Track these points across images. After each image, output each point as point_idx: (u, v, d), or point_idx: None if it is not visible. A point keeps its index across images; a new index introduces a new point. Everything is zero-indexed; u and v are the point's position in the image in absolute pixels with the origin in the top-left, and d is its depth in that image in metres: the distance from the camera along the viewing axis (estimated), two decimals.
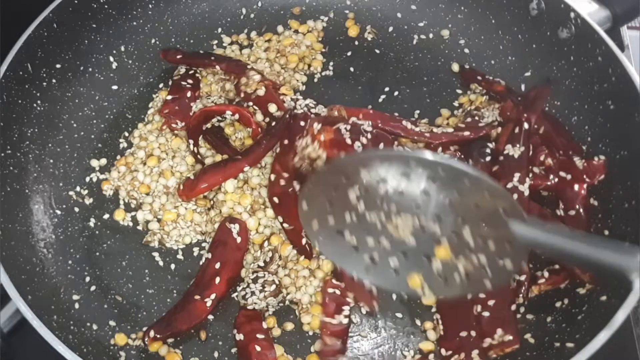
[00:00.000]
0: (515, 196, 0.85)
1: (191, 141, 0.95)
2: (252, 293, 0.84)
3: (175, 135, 0.98)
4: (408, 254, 0.72)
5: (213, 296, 0.83)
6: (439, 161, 0.68)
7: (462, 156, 0.91)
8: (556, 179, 0.88)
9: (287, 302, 0.85)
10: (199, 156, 0.95)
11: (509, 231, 0.66)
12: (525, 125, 0.89)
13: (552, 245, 0.66)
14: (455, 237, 0.70)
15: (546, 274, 0.83)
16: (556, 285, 0.83)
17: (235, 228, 0.87)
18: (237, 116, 0.96)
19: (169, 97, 1.00)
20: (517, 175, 0.86)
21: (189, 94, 0.99)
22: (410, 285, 0.73)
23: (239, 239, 0.87)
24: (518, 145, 0.88)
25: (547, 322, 0.81)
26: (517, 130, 0.89)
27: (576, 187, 0.86)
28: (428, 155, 0.67)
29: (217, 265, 0.85)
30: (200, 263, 0.88)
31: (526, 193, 0.86)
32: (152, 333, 0.81)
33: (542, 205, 0.88)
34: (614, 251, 0.63)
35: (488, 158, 0.90)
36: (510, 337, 0.78)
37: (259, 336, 0.80)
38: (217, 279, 0.84)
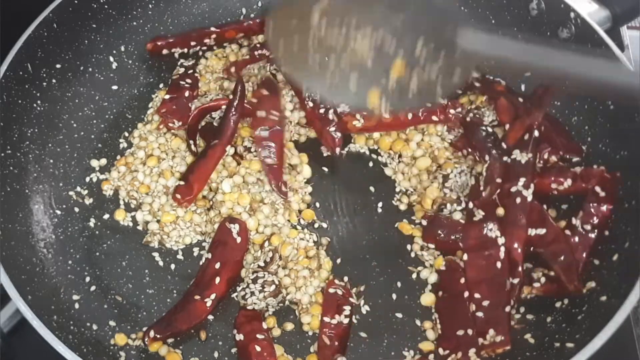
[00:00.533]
0: (518, 200, 0.85)
1: (191, 141, 0.95)
2: (252, 293, 0.84)
3: (174, 135, 0.98)
4: (367, 71, 0.76)
5: (213, 296, 0.83)
6: None
7: (477, 155, 0.92)
8: (569, 184, 0.88)
9: (287, 303, 0.86)
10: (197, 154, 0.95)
11: (458, 40, 0.70)
12: (536, 133, 0.89)
13: (502, 53, 0.68)
14: (409, 53, 0.74)
15: (543, 280, 0.83)
16: (547, 293, 0.83)
17: (235, 228, 0.87)
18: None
19: (167, 97, 1.00)
20: (522, 180, 0.86)
21: (187, 94, 0.99)
22: (369, 101, 0.76)
23: (239, 239, 0.87)
24: (526, 152, 0.88)
25: (547, 322, 0.81)
26: (527, 137, 0.89)
27: (604, 207, 0.85)
28: None
29: (217, 265, 0.85)
30: (200, 263, 0.88)
31: (529, 198, 0.86)
32: (152, 333, 0.81)
33: (551, 206, 0.89)
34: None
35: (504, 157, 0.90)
36: (502, 338, 0.78)
37: (259, 336, 0.80)
38: (217, 279, 0.84)
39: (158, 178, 0.94)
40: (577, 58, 0.64)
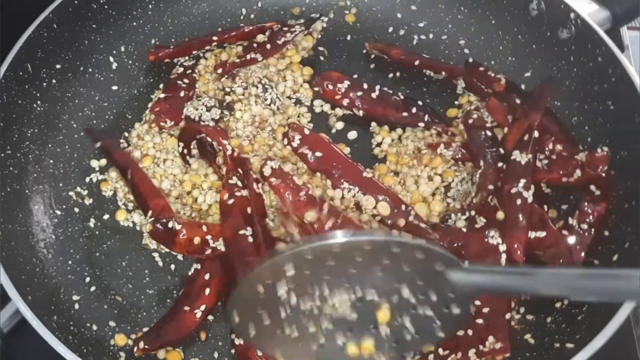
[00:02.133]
0: (519, 201, 0.84)
1: (181, 144, 0.95)
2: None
3: (170, 135, 0.97)
4: (353, 328, 0.70)
5: (203, 307, 0.82)
6: (363, 239, 0.65)
7: (471, 158, 0.91)
8: (578, 174, 0.87)
9: None
10: (187, 157, 0.95)
11: (448, 282, 0.65)
12: (536, 134, 0.88)
13: (498, 286, 0.66)
14: (395, 298, 0.68)
15: None
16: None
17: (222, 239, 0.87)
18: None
19: (162, 96, 1.00)
20: (522, 182, 0.85)
21: (182, 94, 0.99)
22: (365, 354, 0.71)
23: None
24: (525, 153, 0.87)
25: (547, 322, 0.81)
26: (526, 137, 0.88)
27: (599, 206, 0.85)
28: (346, 236, 0.65)
29: (207, 277, 0.85)
30: (189, 273, 0.87)
31: (530, 200, 0.85)
32: (141, 344, 0.80)
33: (552, 206, 0.89)
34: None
35: (499, 163, 0.89)
36: (502, 345, 0.78)
37: None
38: (207, 290, 0.83)
39: (153, 180, 0.94)
40: (582, 281, 0.63)
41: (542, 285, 0.63)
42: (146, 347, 0.80)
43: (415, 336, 0.69)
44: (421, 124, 0.97)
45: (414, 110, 0.97)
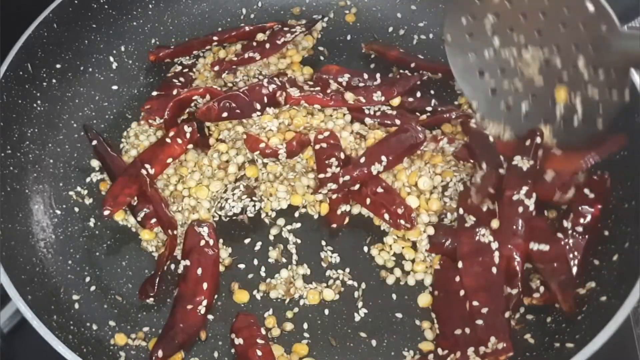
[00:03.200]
0: (520, 209, 0.84)
1: (172, 133, 0.94)
2: (226, 200, 0.87)
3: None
4: (537, 95, 0.85)
5: (204, 302, 0.83)
6: None
7: (473, 159, 0.91)
8: (572, 194, 0.87)
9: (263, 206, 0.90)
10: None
11: (613, 48, 0.77)
12: (538, 140, 0.87)
13: None
14: (572, 70, 0.81)
15: (542, 289, 0.82)
16: (547, 302, 0.82)
17: (204, 231, 0.87)
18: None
19: (155, 94, 1.00)
20: (524, 189, 0.85)
21: (175, 92, 0.99)
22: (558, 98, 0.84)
23: (211, 241, 0.87)
24: (527, 159, 0.87)
25: (547, 322, 0.81)
26: (528, 142, 0.88)
27: (593, 208, 0.85)
28: None
29: (199, 271, 0.85)
30: (179, 272, 0.87)
31: (531, 208, 0.84)
32: (160, 353, 0.79)
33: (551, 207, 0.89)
34: None
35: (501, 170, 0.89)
36: (504, 345, 0.77)
37: (259, 341, 0.80)
38: (205, 285, 0.84)
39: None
40: None
41: None
42: (164, 355, 0.80)
43: (581, 122, 0.82)
44: (428, 108, 0.97)
45: (419, 94, 0.98)
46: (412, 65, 1.02)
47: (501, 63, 0.86)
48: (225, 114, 0.94)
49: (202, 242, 0.87)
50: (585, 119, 0.82)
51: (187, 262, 0.86)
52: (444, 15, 0.91)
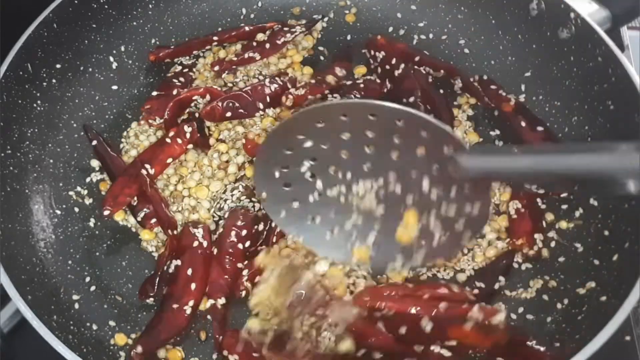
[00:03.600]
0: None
1: (172, 133, 0.95)
2: (225, 200, 0.88)
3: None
4: (381, 226, 0.73)
5: (191, 303, 0.83)
6: (367, 103, 0.70)
7: None
8: None
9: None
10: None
11: (460, 167, 0.66)
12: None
13: (510, 168, 0.65)
14: (417, 195, 0.70)
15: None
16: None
17: (199, 232, 0.87)
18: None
19: (155, 94, 1.00)
20: None
21: (175, 92, 0.99)
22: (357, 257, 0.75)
23: (204, 243, 0.87)
24: None
25: (547, 322, 0.81)
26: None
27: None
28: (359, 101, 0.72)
29: (189, 272, 0.84)
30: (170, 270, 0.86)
31: None
32: (139, 349, 0.80)
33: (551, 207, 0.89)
34: (594, 153, 0.62)
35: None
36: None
37: (255, 355, 0.79)
38: (193, 285, 0.83)
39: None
40: (579, 157, 0.63)
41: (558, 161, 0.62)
42: (144, 351, 0.80)
43: (442, 239, 0.72)
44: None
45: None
46: (417, 59, 1.01)
47: (331, 203, 0.75)
48: (228, 114, 0.95)
49: (196, 243, 0.86)
50: (446, 237, 0.73)
51: (179, 262, 0.86)
52: (254, 171, 0.79)
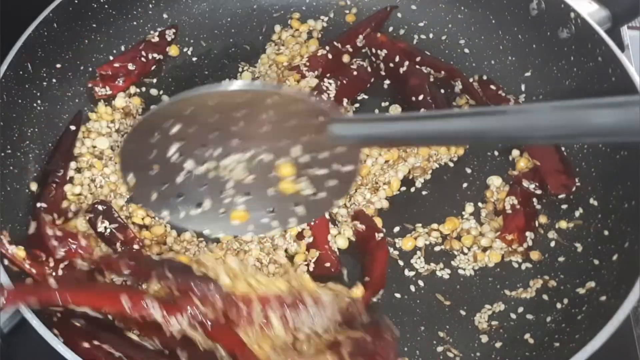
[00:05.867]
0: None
1: None
2: None
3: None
4: (252, 193, 0.72)
5: None
6: (239, 88, 0.67)
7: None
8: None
9: None
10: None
11: (332, 135, 0.65)
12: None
13: (383, 135, 0.64)
14: (289, 158, 0.69)
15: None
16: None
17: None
18: None
19: (117, 64, 1.00)
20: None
21: (132, 67, 1.00)
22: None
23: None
24: None
25: (547, 322, 0.81)
26: None
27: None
28: (229, 86, 0.67)
29: None
30: None
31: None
32: None
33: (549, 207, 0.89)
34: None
35: None
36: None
37: None
38: None
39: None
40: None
41: (451, 126, 0.60)
42: None
43: (313, 202, 0.71)
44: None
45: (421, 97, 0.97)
46: (418, 59, 1.01)
47: (200, 180, 0.72)
48: None
49: None
50: (319, 193, 0.71)
51: None
52: (119, 160, 0.74)
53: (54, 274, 0.78)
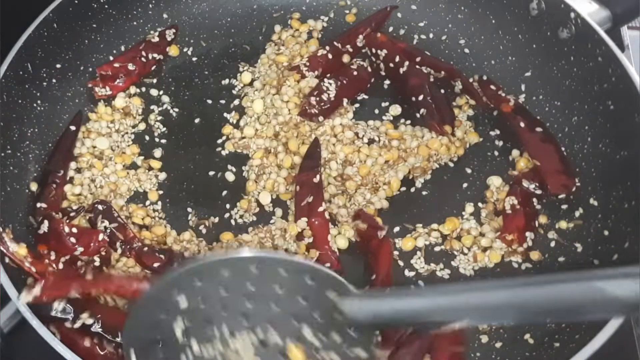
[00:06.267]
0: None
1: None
2: None
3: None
4: None
5: None
6: (249, 256, 0.64)
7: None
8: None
9: None
10: None
11: (343, 314, 0.61)
12: None
13: (396, 312, 0.59)
14: (298, 341, 0.64)
15: None
16: None
17: None
18: None
19: (117, 64, 1.00)
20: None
21: (131, 66, 1.00)
22: None
23: None
24: None
25: (546, 322, 0.81)
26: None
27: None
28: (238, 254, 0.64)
29: None
30: None
31: None
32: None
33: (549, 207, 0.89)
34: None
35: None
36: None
37: None
38: None
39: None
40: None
41: (457, 306, 0.56)
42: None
43: None
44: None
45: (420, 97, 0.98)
46: (418, 59, 1.01)
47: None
48: None
49: None
50: None
51: None
52: (124, 332, 0.68)
53: (54, 267, 0.79)
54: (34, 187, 0.89)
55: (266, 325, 0.65)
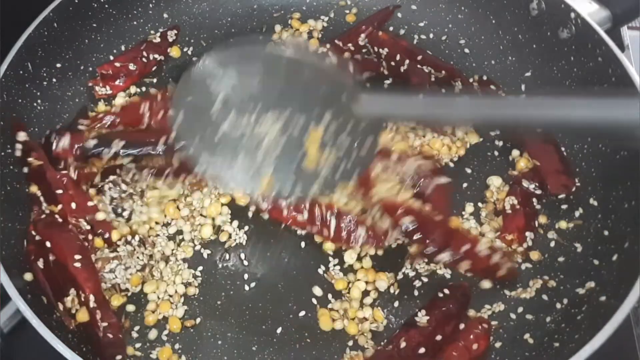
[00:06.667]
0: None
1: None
2: None
3: None
4: (282, 156, 0.77)
5: None
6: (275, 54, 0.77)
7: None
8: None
9: None
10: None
11: (356, 106, 0.74)
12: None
13: (402, 108, 0.74)
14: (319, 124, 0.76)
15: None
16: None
17: None
18: None
19: (118, 64, 1.01)
20: None
21: (132, 67, 1.01)
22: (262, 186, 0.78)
23: None
24: None
25: (546, 322, 0.81)
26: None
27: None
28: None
29: None
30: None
31: None
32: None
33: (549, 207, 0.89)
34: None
35: None
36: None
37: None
38: None
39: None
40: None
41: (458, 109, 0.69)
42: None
43: (342, 166, 0.77)
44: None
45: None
46: (419, 58, 1.01)
47: (241, 133, 0.78)
48: None
49: None
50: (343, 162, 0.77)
51: None
52: (174, 96, 0.80)
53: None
54: (34, 187, 0.89)
55: (297, 105, 0.76)
